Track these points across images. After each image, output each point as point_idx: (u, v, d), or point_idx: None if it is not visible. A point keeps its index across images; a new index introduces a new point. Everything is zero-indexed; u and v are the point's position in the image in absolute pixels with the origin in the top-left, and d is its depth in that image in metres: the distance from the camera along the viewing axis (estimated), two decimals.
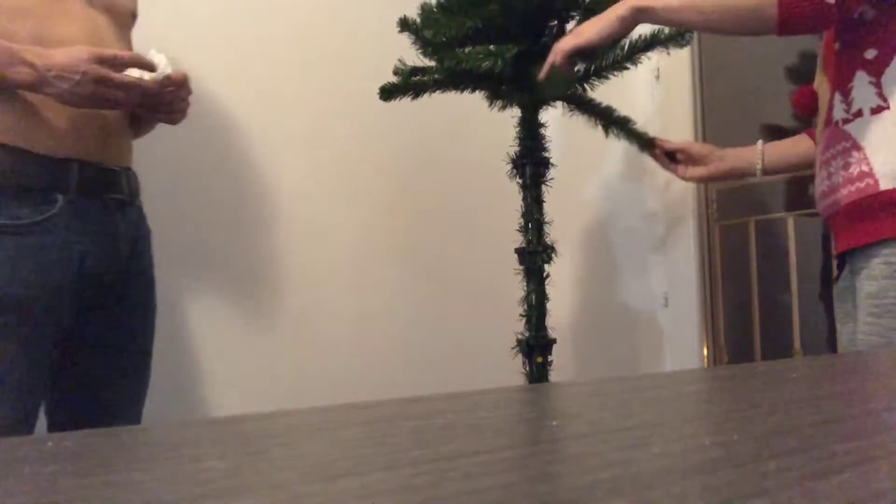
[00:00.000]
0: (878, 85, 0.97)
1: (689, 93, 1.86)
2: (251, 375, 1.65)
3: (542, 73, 1.29)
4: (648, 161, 1.88)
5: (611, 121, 1.52)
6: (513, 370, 1.47)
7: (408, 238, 1.92)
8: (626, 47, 1.41)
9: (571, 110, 1.54)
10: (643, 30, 1.35)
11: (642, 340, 1.95)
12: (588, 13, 1.39)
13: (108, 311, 1.20)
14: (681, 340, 1.85)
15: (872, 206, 0.97)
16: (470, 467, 0.23)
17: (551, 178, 1.46)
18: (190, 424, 0.33)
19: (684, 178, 1.52)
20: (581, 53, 1.24)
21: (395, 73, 1.48)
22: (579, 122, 1.59)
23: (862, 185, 0.99)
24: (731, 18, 1.02)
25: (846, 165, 1.01)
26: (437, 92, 1.49)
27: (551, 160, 1.46)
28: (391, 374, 1.82)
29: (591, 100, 1.51)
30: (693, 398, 0.43)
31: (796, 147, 1.37)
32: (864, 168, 0.98)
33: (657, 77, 1.89)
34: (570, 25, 1.45)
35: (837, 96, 1.04)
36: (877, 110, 0.97)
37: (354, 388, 1.70)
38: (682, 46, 1.45)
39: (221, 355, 1.63)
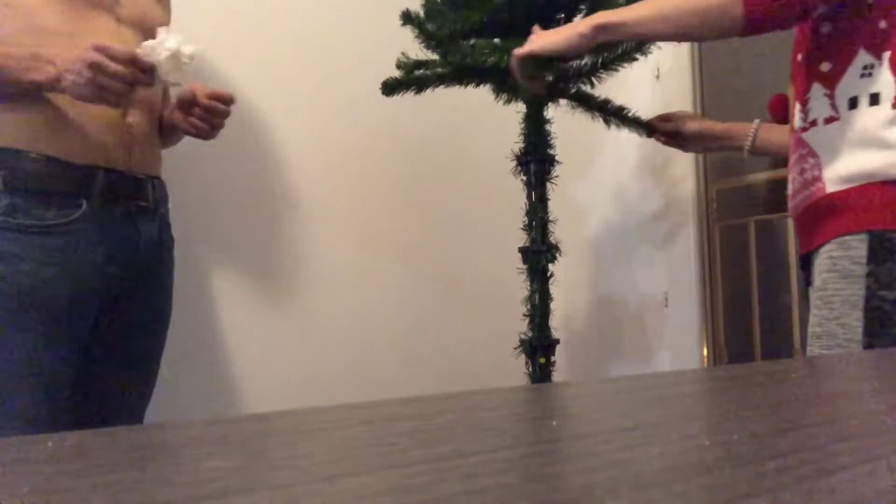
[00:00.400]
0: (831, 97, 1.02)
1: (689, 93, 1.86)
2: (251, 376, 1.65)
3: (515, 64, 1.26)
4: (648, 161, 1.88)
5: (608, 112, 1.53)
6: (516, 370, 1.47)
7: (410, 237, 1.92)
8: None
9: (574, 107, 1.54)
10: None
11: (642, 340, 1.95)
12: (595, 5, 1.38)
13: (124, 316, 1.22)
14: (680, 340, 1.85)
15: (820, 209, 1.03)
16: (469, 467, 0.23)
17: (556, 176, 1.46)
18: (190, 425, 0.33)
19: (686, 151, 1.61)
20: (541, 60, 1.22)
21: (398, 66, 1.47)
22: (579, 121, 1.59)
23: (814, 188, 1.04)
24: (698, 22, 1.04)
25: (802, 171, 1.07)
26: (441, 87, 1.49)
27: (556, 157, 1.45)
28: (391, 374, 1.82)
29: (591, 95, 1.52)
30: (693, 398, 0.43)
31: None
32: (816, 173, 1.04)
33: (657, 77, 1.89)
34: (577, 18, 1.44)
35: (797, 106, 1.09)
36: (829, 120, 1.02)
37: (354, 388, 1.70)
38: None
39: (220, 356, 1.63)
